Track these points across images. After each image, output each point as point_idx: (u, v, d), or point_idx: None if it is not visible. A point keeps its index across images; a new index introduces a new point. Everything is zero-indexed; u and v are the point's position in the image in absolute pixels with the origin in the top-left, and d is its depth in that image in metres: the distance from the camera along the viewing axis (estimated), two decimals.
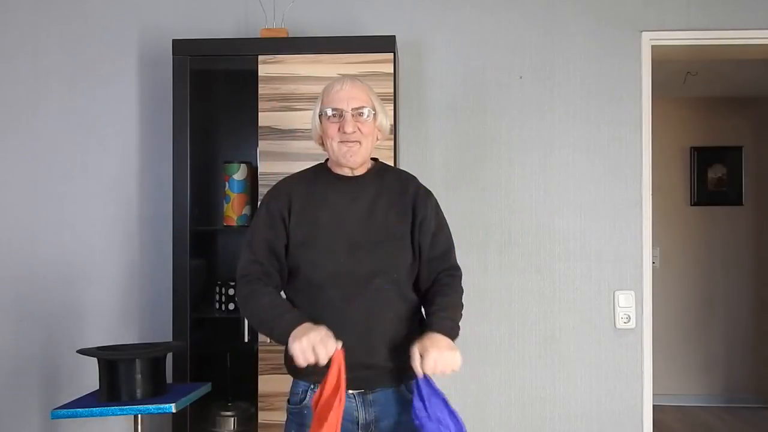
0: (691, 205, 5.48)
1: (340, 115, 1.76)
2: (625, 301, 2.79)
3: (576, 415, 2.79)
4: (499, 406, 2.81)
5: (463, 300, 1.82)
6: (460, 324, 1.77)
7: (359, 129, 1.77)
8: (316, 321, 1.65)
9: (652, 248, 2.86)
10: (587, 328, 2.81)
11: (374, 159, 1.91)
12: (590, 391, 2.80)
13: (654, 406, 2.85)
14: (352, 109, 1.76)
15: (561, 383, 2.80)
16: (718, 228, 5.45)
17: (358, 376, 1.71)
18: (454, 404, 1.81)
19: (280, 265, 1.80)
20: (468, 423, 2.81)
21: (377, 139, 1.86)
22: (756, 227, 5.44)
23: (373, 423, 1.76)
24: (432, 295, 1.80)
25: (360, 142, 1.77)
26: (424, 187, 1.90)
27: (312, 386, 1.76)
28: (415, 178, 1.92)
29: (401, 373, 1.74)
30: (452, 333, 1.71)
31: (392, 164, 2.47)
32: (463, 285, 1.85)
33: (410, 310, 1.80)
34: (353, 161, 1.78)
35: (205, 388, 2.32)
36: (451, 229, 1.91)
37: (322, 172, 1.86)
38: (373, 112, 1.80)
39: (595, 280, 2.81)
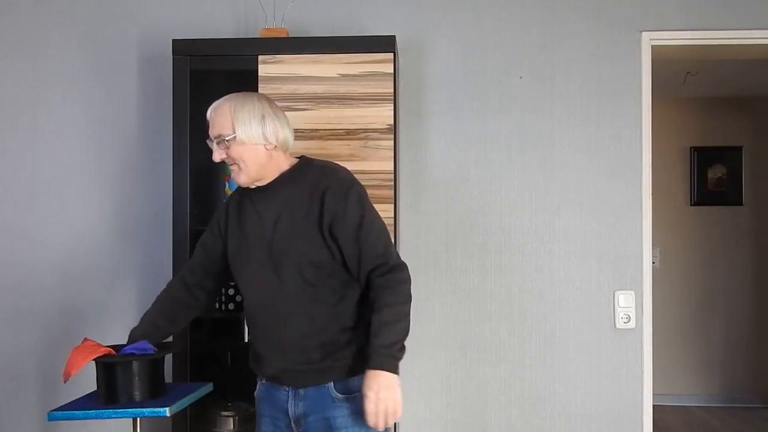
0: (691, 205, 5.48)
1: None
2: (625, 301, 2.79)
3: (576, 415, 2.80)
4: (499, 406, 2.81)
5: (404, 304, 1.76)
6: (399, 341, 1.73)
7: (227, 154, 1.80)
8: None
9: (652, 248, 2.86)
10: (587, 328, 2.81)
11: (300, 157, 1.91)
12: (590, 391, 2.80)
13: (654, 406, 2.85)
14: (214, 138, 1.82)
15: (561, 383, 2.80)
16: (718, 228, 5.45)
17: (281, 375, 1.86)
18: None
19: (208, 271, 2.02)
20: (468, 423, 2.83)
21: (267, 150, 1.80)
22: (756, 227, 5.44)
23: (302, 417, 1.83)
24: (371, 306, 1.78)
25: (237, 165, 1.81)
26: (343, 180, 1.82)
27: (261, 379, 1.96)
28: (334, 172, 1.85)
29: (326, 373, 1.81)
30: (386, 363, 1.70)
31: (392, 164, 2.47)
32: (405, 281, 1.79)
33: (332, 311, 1.80)
34: (238, 182, 1.84)
35: (206, 388, 2.31)
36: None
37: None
38: (233, 135, 1.78)
39: (595, 280, 2.81)
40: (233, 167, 1.83)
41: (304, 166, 1.88)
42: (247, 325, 1.93)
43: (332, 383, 1.81)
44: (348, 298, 1.83)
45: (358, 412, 1.78)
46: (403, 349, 1.75)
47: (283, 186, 1.85)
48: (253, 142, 1.79)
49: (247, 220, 1.88)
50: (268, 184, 1.85)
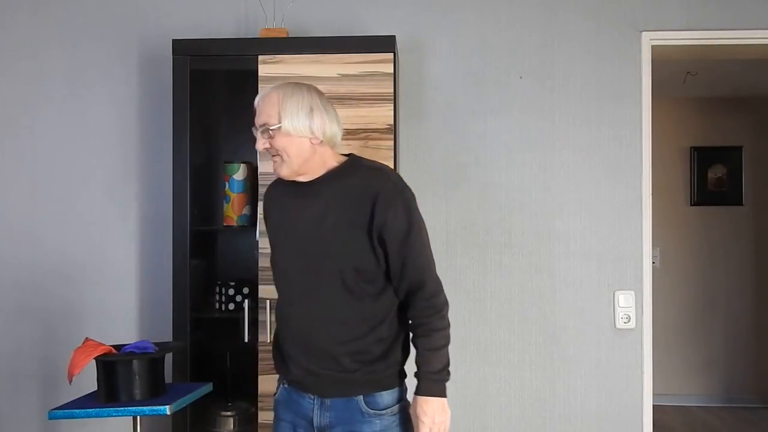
0: (691, 205, 5.48)
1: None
2: (625, 301, 2.79)
3: (576, 415, 2.80)
4: (499, 406, 2.81)
5: (448, 328, 1.76)
6: (447, 365, 1.75)
7: (271, 144, 1.74)
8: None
9: (652, 248, 2.86)
10: (587, 328, 2.81)
11: (348, 155, 1.83)
12: (590, 391, 2.80)
13: (654, 406, 2.85)
14: (259, 126, 1.75)
15: (561, 383, 2.80)
16: (718, 228, 5.45)
17: (306, 381, 1.77)
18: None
19: None
20: (468, 423, 2.83)
21: (312, 144, 1.73)
22: (756, 227, 5.44)
23: (327, 428, 1.75)
24: (413, 330, 1.76)
25: (280, 156, 1.74)
26: (395, 184, 1.75)
27: (284, 382, 1.85)
28: (384, 174, 1.78)
29: (356, 385, 1.74)
30: (437, 389, 1.73)
31: (392, 164, 2.47)
32: (446, 303, 1.78)
33: (367, 319, 1.73)
34: (279, 173, 1.77)
35: (206, 388, 2.32)
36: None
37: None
38: (278, 125, 1.70)
39: (595, 280, 2.81)
40: (275, 158, 1.75)
41: (352, 164, 1.79)
42: (277, 323, 1.85)
43: (362, 397, 1.74)
44: (384, 308, 1.75)
45: (388, 429, 1.75)
46: (449, 372, 1.76)
47: (330, 184, 1.76)
48: (299, 134, 1.71)
49: (289, 215, 1.80)
50: (314, 180, 1.77)
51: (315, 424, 1.76)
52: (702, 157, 5.47)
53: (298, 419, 1.79)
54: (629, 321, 2.79)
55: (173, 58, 2.56)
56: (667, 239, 5.33)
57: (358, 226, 1.70)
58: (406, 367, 1.82)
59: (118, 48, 2.90)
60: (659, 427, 4.23)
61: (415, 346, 1.75)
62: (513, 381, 2.81)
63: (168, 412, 2.06)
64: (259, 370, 2.47)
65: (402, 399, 1.79)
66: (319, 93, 1.78)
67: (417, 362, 1.74)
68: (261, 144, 1.75)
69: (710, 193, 5.47)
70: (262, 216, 1.98)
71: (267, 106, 1.73)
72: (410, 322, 1.76)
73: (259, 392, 2.47)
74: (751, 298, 5.44)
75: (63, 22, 2.92)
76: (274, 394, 1.88)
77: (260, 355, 2.47)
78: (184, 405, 2.20)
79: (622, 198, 2.81)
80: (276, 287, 1.85)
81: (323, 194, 1.76)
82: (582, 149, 2.83)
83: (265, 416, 2.46)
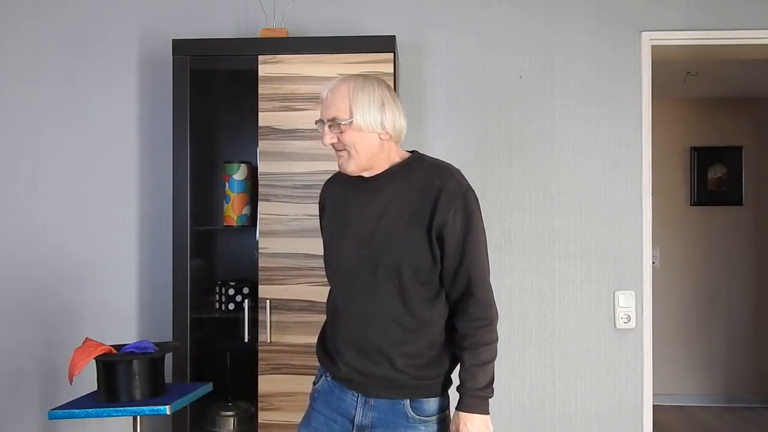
0: (691, 205, 5.48)
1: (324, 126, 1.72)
2: (625, 301, 2.79)
3: (576, 415, 2.80)
4: (499, 406, 2.81)
5: (496, 342, 1.71)
6: (492, 380, 1.69)
7: (339, 138, 1.68)
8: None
9: (652, 248, 2.86)
10: (587, 328, 2.81)
11: (412, 152, 1.80)
12: (590, 391, 2.80)
13: (654, 406, 2.85)
14: (328, 120, 1.68)
15: (561, 383, 2.80)
16: (718, 228, 5.45)
17: (354, 379, 1.72)
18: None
19: None
20: None
21: (381, 139, 1.68)
22: (756, 227, 5.44)
23: (368, 428, 1.72)
24: (460, 341, 1.70)
25: (347, 151, 1.69)
26: (459, 183, 1.70)
27: (327, 375, 1.80)
28: (449, 172, 1.73)
29: (406, 389, 1.70)
30: (480, 406, 1.67)
31: None
32: (496, 316, 1.72)
33: (421, 323, 1.69)
34: (345, 169, 1.72)
35: (205, 388, 2.32)
36: None
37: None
38: (350, 120, 1.65)
39: (595, 280, 2.81)
40: (342, 153, 1.70)
41: (416, 161, 1.76)
42: (329, 320, 1.81)
43: (408, 401, 1.70)
44: (438, 314, 1.71)
45: None
46: (494, 389, 1.70)
47: (392, 179, 1.72)
48: (369, 129, 1.67)
49: (349, 210, 1.76)
50: (376, 175, 1.73)
51: (356, 422, 1.72)
52: (702, 157, 5.47)
53: (337, 415, 1.75)
54: (629, 321, 2.79)
55: (173, 58, 2.56)
56: (667, 239, 5.33)
57: (418, 223, 1.66)
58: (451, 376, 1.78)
59: (117, 48, 2.90)
60: (659, 427, 4.23)
61: (460, 360, 1.69)
62: (513, 381, 2.81)
63: (168, 412, 2.06)
64: (259, 370, 2.47)
65: (446, 408, 1.75)
66: (388, 86, 1.74)
67: (461, 377, 1.68)
68: (329, 139, 1.69)
69: (710, 193, 5.46)
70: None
71: (337, 98, 1.67)
72: (457, 332, 1.70)
73: (259, 392, 2.47)
74: (751, 298, 5.44)
75: (63, 22, 2.92)
76: (314, 383, 1.84)
77: (260, 355, 2.47)
78: (184, 405, 2.20)
79: (622, 198, 2.81)
80: (330, 284, 1.81)
81: (385, 190, 1.72)
82: (582, 149, 2.83)
83: (265, 416, 2.47)
